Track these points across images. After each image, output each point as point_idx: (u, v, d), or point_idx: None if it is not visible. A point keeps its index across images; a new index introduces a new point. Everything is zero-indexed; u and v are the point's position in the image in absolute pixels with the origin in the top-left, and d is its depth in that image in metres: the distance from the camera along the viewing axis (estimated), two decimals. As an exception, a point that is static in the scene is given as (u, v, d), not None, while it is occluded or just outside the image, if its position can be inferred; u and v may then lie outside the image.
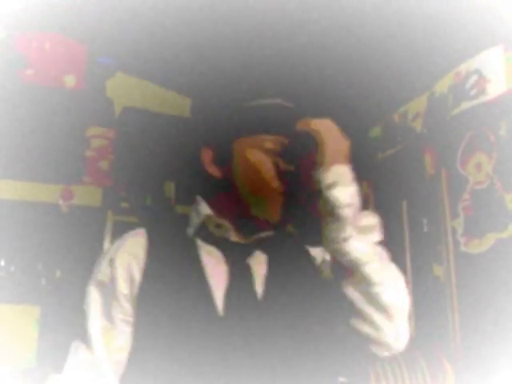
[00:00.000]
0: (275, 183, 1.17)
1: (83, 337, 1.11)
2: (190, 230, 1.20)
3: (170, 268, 1.13)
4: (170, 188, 1.96)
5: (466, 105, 1.56)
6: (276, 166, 1.18)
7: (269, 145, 1.21)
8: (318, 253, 1.30)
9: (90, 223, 1.77)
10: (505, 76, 1.42)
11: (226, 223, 1.17)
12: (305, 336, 1.11)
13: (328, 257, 1.22)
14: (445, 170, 1.64)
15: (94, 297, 1.14)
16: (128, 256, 1.15)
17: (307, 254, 1.29)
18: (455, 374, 1.50)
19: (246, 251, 1.17)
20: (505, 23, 1.40)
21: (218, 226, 1.19)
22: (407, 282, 1.75)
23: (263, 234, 1.19)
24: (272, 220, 1.18)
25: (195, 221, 1.20)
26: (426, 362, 1.59)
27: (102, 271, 1.14)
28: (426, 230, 1.74)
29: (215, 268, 1.14)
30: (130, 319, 1.10)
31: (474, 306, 1.45)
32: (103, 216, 1.82)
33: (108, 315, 1.11)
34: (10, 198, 1.68)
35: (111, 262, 1.14)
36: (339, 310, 1.12)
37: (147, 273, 1.12)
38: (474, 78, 1.52)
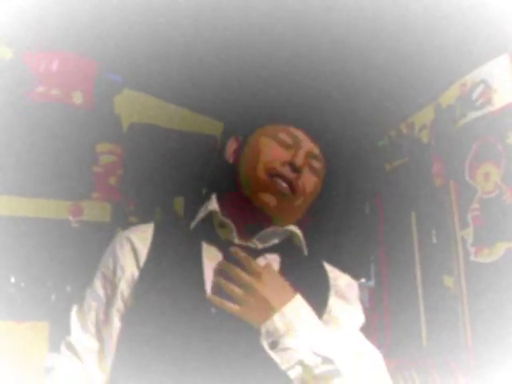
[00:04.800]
0: (275, 169, 1.19)
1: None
2: (193, 223, 1.22)
3: (170, 267, 1.16)
4: (180, 202, 1.97)
5: (472, 115, 1.56)
6: (287, 156, 1.20)
7: (282, 136, 1.23)
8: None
9: (99, 238, 1.77)
10: (511, 85, 1.42)
11: (229, 222, 1.18)
12: None
13: None
14: (453, 181, 1.64)
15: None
16: (130, 252, 1.22)
17: (320, 269, 1.28)
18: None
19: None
20: (510, 32, 1.40)
21: (222, 224, 1.20)
22: (417, 294, 1.75)
23: (263, 233, 1.19)
24: (269, 212, 1.18)
25: (200, 215, 1.22)
26: (438, 373, 1.58)
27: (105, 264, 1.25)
28: (435, 240, 1.73)
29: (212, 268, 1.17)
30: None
31: (485, 316, 1.44)
32: (112, 231, 1.82)
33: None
34: (19, 214, 1.69)
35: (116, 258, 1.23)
36: None
37: (146, 270, 1.16)
38: (481, 88, 1.52)
